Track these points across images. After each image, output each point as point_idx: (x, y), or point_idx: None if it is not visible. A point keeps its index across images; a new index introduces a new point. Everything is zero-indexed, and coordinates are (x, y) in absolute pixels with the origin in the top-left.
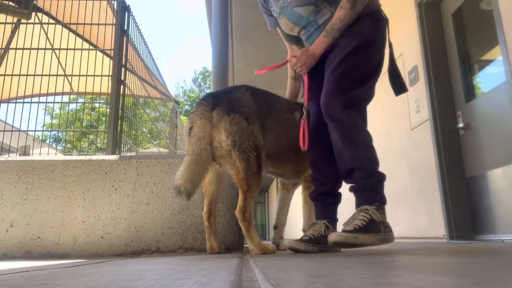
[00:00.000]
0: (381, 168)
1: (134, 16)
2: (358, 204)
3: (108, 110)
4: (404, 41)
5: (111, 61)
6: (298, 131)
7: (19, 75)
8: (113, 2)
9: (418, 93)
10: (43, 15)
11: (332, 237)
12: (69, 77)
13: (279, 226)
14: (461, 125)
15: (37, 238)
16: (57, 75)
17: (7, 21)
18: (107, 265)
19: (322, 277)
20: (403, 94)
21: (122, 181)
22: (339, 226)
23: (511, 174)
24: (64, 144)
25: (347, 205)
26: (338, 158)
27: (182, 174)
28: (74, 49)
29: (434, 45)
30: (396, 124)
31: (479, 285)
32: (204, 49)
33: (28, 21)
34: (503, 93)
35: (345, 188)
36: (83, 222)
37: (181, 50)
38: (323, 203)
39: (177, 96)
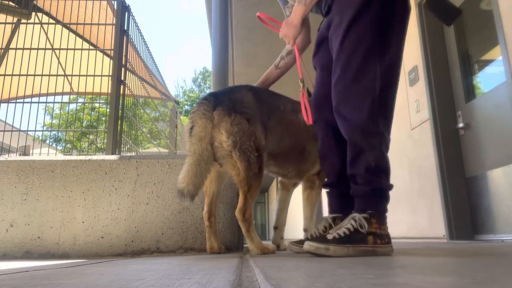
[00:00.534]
0: None
1: (134, 16)
2: (353, 210)
3: (108, 110)
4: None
5: (111, 61)
6: (301, 132)
7: (19, 75)
8: (113, 2)
9: (418, 93)
10: (43, 15)
11: (305, 246)
12: (69, 77)
13: (279, 226)
14: (461, 125)
15: (37, 238)
16: (57, 75)
17: (7, 21)
18: (107, 265)
19: (322, 277)
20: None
21: (122, 181)
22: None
23: (511, 174)
24: (64, 144)
25: None
26: (347, 159)
27: (185, 177)
28: (74, 49)
29: (434, 45)
30: (396, 124)
31: (479, 285)
32: (204, 49)
33: (28, 21)
34: (503, 93)
35: None
36: (83, 222)
37: (181, 49)
38: (330, 195)
39: (177, 96)
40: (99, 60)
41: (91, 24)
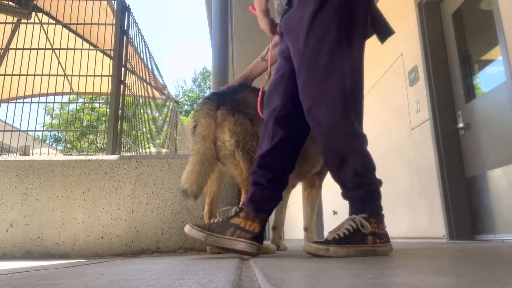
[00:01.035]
0: (381, 168)
1: (134, 16)
2: (349, 212)
3: (108, 110)
4: (404, 41)
5: (111, 61)
6: None
7: (19, 75)
8: (113, 2)
9: (418, 93)
10: (43, 15)
11: (305, 247)
12: (69, 77)
13: (278, 226)
14: (461, 125)
15: (37, 238)
16: (57, 75)
17: (7, 21)
18: (107, 265)
19: (322, 277)
20: (403, 94)
21: (122, 181)
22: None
23: (511, 174)
24: (64, 144)
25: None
26: (326, 165)
27: (188, 177)
28: (74, 49)
29: (434, 45)
30: (396, 124)
31: (479, 285)
32: (204, 49)
33: (28, 21)
34: (503, 93)
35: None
36: (83, 222)
37: (181, 49)
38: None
39: (177, 96)
40: (99, 60)
41: (91, 24)
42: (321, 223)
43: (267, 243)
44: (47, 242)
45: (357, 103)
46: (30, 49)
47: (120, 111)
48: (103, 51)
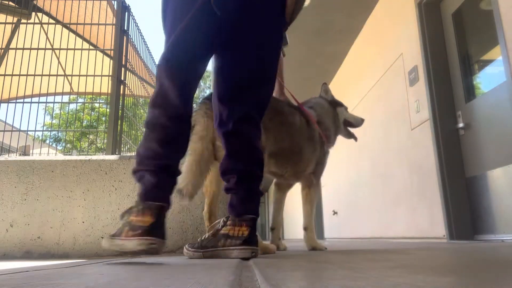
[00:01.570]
0: (381, 168)
1: (134, 16)
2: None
3: (108, 110)
4: (404, 41)
5: (111, 61)
6: (298, 133)
7: (19, 75)
8: (113, 2)
9: (418, 93)
10: (43, 15)
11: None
12: (69, 77)
13: (276, 227)
14: (461, 125)
15: (37, 238)
16: (57, 75)
17: (7, 21)
18: (107, 265)
19: (322, 277)
20: (403, 94)
21: (122, 181)
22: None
23: (511, 174)
24: (64, 144)
25: (345, 197)
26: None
27: (184, 177)
28: (74, 49)
29: (434, 45)
30: (396, 124)
31: (479, 285)
32: None
33: (28, 21)
34: (503, 93)
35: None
36: (83, 222)
37: None
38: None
39: None
40: (99, 60)
41: (91, 24)
42: (321, 223)
43: (267, 243)
44: (47, 242)
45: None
46: (30, 49)
47: (120, 111)
48: (103, 51)
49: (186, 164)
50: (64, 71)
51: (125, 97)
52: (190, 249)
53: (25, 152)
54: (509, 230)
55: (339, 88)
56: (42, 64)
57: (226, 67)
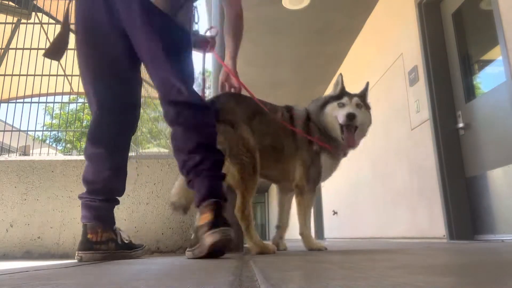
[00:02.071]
0: (381, 168)
1: None
2: None
3: None
4: (404, 41)
5: None
6: (279, 131)
7: (19, 75)
8: None
9: (418, 93)
10: (43, 15)
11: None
12: (69, 77)
13: (282, 226)
14: (461, 125)
15: (37, 238)
16: (57, 75)
17: (7, 21)
18: (107, 265)
19: (322, 277)
20: (403, 94)
21: None
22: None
23: (511, 174)
24: (64, 144)
25: (345, 197)
26: None
27: (177, 193)
28: (74, 49)
29: (434, 45)
30: (396, 124)
31: (479, 285)
32: None
33: (28, 21)
34: (503, 93)
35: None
36: None
37: None
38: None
39: None
40: None
41: None
42: (321, 223)
43: (268, 243)
44: (47, 242)
45: None
46: (30, 49)
47: None
48: None
49: (179, 178)
50: (64, 71)
51: None
52: (189, 249)
53: (25, 152)
54: (509, 230)
55: None
56: (42, 64)
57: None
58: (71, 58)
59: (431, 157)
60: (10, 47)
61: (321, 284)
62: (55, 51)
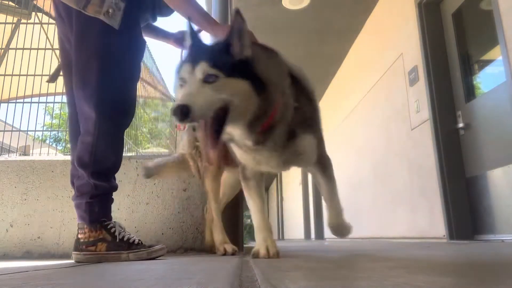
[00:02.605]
0: (381, 168)
1: None
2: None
3: None
4: (404, 41)
5: None
6: None
7: (19, 75)
8: None
9: (418, 93)
10: (43, 15)
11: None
12: None
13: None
14: (461, 125)
15: (37, 238)
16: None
17: (7, 21)
18: (107, 265)
19: (322, 277)
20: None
21: (122, 181)
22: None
23: (511, 174)
24: (64, 144)
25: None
26: None
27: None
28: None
29: (434, 45)
30: (396, 124)
31: (479, 285)
32: None
33: (28, 21)
34: (503, 93)
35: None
36: None
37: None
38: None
39: None
40: None
41: None
42: (321, 223)
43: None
44: (47, 242)
45: None
46: (30, 49)
47: None
48: None
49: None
50: None
51: None
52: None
53: (25, 152)
54: (509, 230)
55: (339, 88)
56: (42, 64)
57: None
58: None
59: (431, 157)
60: (10, 47)
61: (321, 284)
62: (56, 77)
